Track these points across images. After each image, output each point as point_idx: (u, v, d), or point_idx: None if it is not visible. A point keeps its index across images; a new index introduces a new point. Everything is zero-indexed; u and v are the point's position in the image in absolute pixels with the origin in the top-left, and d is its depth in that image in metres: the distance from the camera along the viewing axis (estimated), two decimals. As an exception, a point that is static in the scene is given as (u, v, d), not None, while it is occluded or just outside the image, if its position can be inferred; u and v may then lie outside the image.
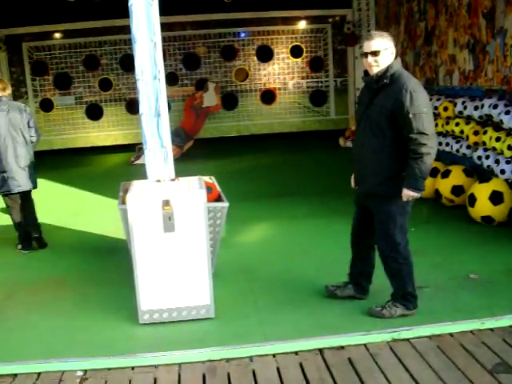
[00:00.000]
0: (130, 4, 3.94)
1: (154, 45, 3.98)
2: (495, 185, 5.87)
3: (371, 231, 3.96)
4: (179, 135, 10.67)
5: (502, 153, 6.01)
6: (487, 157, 6.30)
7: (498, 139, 6.07)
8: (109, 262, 5.22)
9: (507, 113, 5.90)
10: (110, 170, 10.15)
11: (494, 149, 6.15)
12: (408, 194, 3.59)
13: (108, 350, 3.54)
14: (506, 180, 5.91)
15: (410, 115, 3.45)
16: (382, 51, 3.54)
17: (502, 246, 5.28)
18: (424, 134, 3.46)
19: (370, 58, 3.58)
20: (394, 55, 3.61)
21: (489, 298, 4.09)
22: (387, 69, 3.56)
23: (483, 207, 5.84)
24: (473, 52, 6.93)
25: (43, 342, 3.73)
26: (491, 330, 3.63)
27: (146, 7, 3.91)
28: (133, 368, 3.33)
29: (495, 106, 6.13)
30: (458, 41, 7.33)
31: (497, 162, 6.08)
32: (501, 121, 5.96)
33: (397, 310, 3.82)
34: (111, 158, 11.21)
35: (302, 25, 12.46)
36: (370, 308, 3.91)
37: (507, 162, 5.92)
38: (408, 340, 3.53)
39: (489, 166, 6.24)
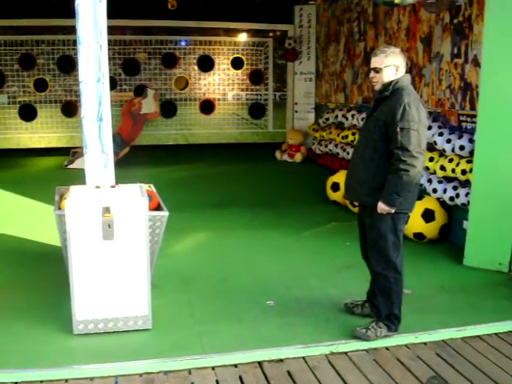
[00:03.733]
0: (76, 4, 3.84)
1: (100, 47, 3.89)
2: (427, 203, 6.07)
3: None
4: (116, 141, 10.35)
5: (434, 173, 6.23)
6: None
7: (431, 159, 6.28)
8: (41, 270, 5.01)
9: (440, 134, 6.13)
10: (43, 173, 9.80)
11: (427, 168, 6.36)
12: (381, 207, 3.57)
13: (40, 361, 3.39)
14: (438, 199, 6.13)
15: (398, 129, 3.47)
16: (383, 68, 3.61)
17: (433, 262, 5.47)
18: (406, 150, 3.45)
19: (372, 74, 3.68)
20: (400, 71, 3.63)
21: (422, 313, 4.21)
22: (391, 83, 3.61)
23: (416, 224, 6.03)
24: (409, 74, 7.15)
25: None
26: (425, 343, 3.74)
27: (93, 8, 3.82)
28: (66, 380, 3.20)
29: (429, 128, 6.35)
30: (395, 62, 7.55)
31: (429, 181, 6.29)
32: (434, 142, 6.18)
33: (381, 331, 3.73)
34: (44, 160, 10.84)
35: (244, 37, 12.55)
36: (354, 329, 3.78)
37: (439, 182, 6.14)
38: (346, 353, 3.58)
39: (421, 185, 6.44)
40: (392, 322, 3.78)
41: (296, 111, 11.95)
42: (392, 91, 3.59)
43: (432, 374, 3.35)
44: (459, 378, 3.32)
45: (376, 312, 3.84)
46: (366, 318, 4.00)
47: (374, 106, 3.78)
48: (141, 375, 3.28)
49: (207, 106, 12.63)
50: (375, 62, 3.64)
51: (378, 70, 3.62)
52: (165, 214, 4.26)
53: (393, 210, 3.56)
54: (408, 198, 3.59)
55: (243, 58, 12.54)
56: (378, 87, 3.69)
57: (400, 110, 3.47)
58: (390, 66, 3.59)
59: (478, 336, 3.87)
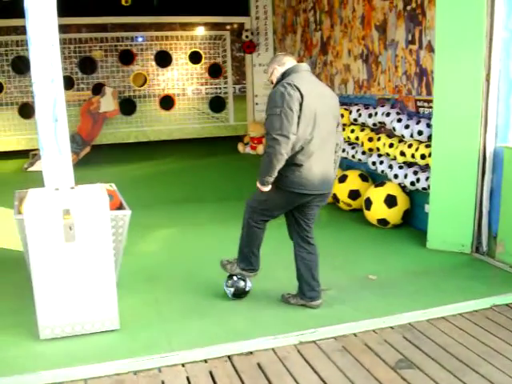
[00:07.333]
0: (25, 3, 3.75)
1: (52, 46, 3.81)
2: (389, 189, 6.16)
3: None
4: (76, 141, 10.30)
5: (394, 158, 6.31)
6: (381, 162, 6.60)
7: (390, 145, 6.37)
8: (3, 275, 4.90)
9: (399, 120, 6.21)
10: (2, 177, 9.59)
11: (388, 155, 6.45)
12: (257, 185, 3.97)
13: (7, 368, 3.31)
14: (399, 184, 6.22)
15: (266, 117, 3.82)
16: (269, 77, 4.12)
17: (397, 247, 5.56)
18: (268, 133, 3.74)
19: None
20: (279, 68, 4.02)
21: (388, 297, 4.28)
22: (279, 79, 4.02)
23: (379, 210, 6.11)
24: (366, 62, 7.24)
25: None
26: (392, 327, 3.79)
27: (42, 6, 3.74)
28: (34, 387, 3.16)
29: (388, 114, 6.44)
30: (352, 51, 7.62)
31: (390, 167, 6.38)
32: (393, 128, 6.26)
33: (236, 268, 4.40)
34: (3, 164, 10.60)
35: (201, 31, 12.46)
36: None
37: (400, 167, 6.23)
38: (314, 342, 3.61)
39: (383, 171, 6.53)
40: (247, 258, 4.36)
41: (256, 103, 11.94)
42: (275, 84, 4.00)
43: (400, 357, 3.40)
44: (426, 359, 3.38)
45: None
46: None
47: None
48: (110, 377, 3.24)
49: (167, 102, 12.52)
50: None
51: (270, 81, 4.16)
52: (127, 212, 4.22)
53: (266, 188, 3.90)
54: (291, 176, 3.86)
55: (201, 52, 12.46)
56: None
57: (268, 100, 3.83)
58: (270, 70, 4.09)
59: (443, 317, 3.94)
